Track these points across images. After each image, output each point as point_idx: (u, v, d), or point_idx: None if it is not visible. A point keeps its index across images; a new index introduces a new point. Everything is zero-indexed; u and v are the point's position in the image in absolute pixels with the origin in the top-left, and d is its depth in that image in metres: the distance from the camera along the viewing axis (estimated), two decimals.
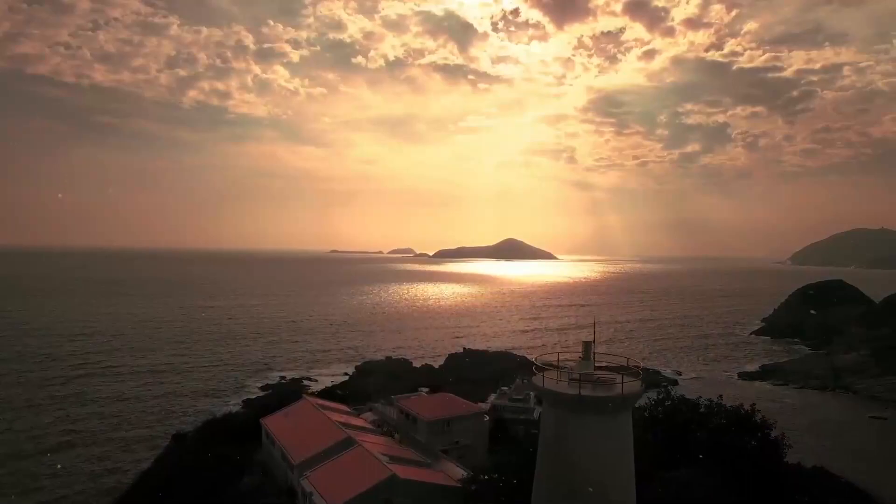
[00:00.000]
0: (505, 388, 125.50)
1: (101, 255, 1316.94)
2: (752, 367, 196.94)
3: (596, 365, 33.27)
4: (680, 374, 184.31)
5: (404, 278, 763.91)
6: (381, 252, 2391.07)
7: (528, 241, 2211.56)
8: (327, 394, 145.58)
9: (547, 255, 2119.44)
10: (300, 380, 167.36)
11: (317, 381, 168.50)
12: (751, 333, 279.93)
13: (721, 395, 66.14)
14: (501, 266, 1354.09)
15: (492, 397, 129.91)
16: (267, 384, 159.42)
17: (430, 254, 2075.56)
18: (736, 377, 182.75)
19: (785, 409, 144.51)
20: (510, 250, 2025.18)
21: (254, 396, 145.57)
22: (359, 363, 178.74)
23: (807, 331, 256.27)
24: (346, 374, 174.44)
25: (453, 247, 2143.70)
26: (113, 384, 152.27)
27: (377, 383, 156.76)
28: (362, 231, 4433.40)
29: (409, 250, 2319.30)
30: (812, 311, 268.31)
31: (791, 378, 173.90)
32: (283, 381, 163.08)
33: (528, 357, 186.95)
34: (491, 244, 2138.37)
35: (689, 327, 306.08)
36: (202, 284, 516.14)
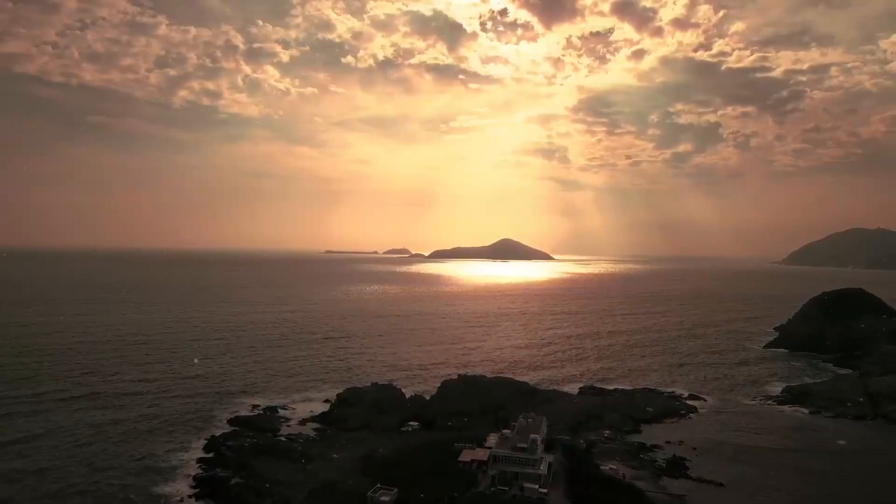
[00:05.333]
0: (506, 430, 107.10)
1: (94, 256, 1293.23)
2: (775, 389, 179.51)
3: None
4: (698, 399, 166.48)
5: (400, 281, 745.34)
6: (376, 252, 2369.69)
7: (523, 242, 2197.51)
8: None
9: (543, 256, 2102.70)
10: (275, 409, 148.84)
11: (294, 409, 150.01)
12: (765, 346, 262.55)
13: None
14: (498, 267, 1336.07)
15: (491, 439, 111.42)
16: (237, 416, 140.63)
17: (426, 254, 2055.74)
18: (761, 403, 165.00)
19: (824, 448, 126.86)
20: (506, 251, 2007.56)
21: (218, 434, 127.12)
22: (342, 389, 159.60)
23: (827, 344, 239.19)
24: (327, 401, 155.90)
25: (449, 247, 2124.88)
26: (55, 416, 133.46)
27: (360, 416, 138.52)
28: (357, 231, 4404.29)
29: (404, 251, 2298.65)
30: (831, 323, 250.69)
31: (823, 404, 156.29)
32: (254, 414, 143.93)
33: (530, 383, 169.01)
34: (487, 244, 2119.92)
35: (696, 338, 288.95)
36: (190, 290, 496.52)
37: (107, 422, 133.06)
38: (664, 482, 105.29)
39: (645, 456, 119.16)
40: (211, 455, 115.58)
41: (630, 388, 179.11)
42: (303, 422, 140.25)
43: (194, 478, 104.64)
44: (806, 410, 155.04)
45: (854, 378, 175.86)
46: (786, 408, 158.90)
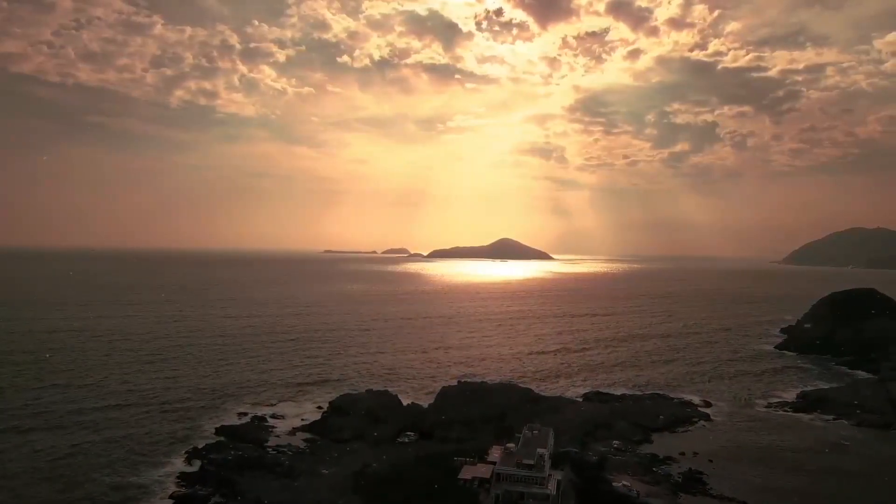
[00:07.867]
0: (510, 444, 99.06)
1: (92, 256, 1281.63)
2: (789, 395, 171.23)
3: None
4: (710, 405, 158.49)
5: (398, 281, 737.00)
6: (374, 252, 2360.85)
7: (522, 241, 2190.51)
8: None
9: (542, 255, 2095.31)
10: (263, 418, 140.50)
11: (284, 418, 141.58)
12: (774, 347, 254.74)
13: None
14: (497, 266, 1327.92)
15: (494, 452, 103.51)
16: (223, 426, 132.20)
17: (425, 254, 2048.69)
18: (776, 409, 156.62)
19: (852, 461, 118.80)
20: (505, 250, 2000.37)
21: (202, 445, 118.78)
22: (336, 396, 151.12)
23: (839, 346, 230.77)
24: (319, 407, 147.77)
25: (448, 247, 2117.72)
26: (34, 431, 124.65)
27: (354, 426, 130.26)
28: (356, 231, 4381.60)
29: (403, 250, 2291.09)
30: (843, 324, 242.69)
31: (843, 410, 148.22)
32: (241, 423, 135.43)
33: (534, 389, 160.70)
34: (486, 244, 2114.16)
35: (702, 340, 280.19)
36: (186, 290, 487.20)
37: (86, 435, 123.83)
38: (681, 500, 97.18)
39: (658, 469, 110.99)
40: (193, 470, 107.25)
41: (638, 393, 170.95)
42: (293, 431, 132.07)
43: (172, 496, 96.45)
44: (827, 418, 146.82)
45: (874, 383, 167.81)
46: (803, 415, 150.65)
